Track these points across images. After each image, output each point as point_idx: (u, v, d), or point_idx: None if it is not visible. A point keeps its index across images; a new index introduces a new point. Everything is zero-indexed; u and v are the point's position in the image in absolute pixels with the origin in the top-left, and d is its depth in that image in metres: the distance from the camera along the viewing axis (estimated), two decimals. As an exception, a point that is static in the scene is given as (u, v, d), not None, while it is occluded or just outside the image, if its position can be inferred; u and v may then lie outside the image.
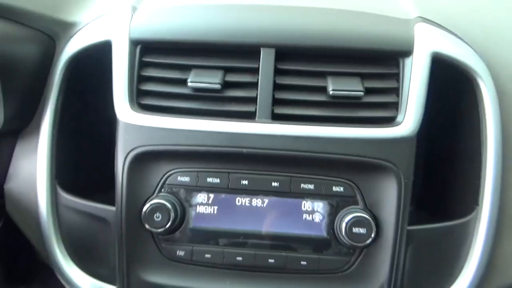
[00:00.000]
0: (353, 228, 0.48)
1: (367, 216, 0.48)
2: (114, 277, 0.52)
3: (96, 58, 0.55)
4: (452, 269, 0.52)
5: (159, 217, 0.49)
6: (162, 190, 0.51)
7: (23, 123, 0.56)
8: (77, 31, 0.56)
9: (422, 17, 0.54)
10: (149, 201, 0.50)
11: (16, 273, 0.60)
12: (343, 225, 0.48)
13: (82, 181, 0.58)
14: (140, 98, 0.52)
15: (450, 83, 0.55)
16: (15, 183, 0.56)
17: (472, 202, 0.52)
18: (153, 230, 0.50)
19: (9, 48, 0.51)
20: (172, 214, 0.49)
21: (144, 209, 0.50)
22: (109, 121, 0.59)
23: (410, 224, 0.50)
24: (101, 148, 0.59)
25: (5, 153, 0.57)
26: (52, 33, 0.56)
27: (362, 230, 0.48)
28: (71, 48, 0.55)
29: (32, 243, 0.56)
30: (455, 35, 0.54)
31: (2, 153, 0.57)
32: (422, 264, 0.51)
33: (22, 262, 0.62)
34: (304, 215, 0.51)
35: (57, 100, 0.55)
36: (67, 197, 0.54)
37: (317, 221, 0.50)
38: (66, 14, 0.57)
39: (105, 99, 0.55)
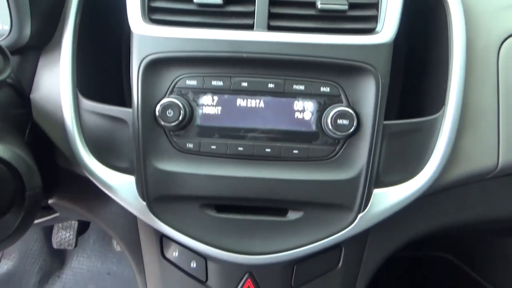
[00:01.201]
0: (338, 120, 0.56)
1: (349, 110, 0.57)
2: (132, 169, 0.60)
3: None
4: (421, 158, 0.61)
5: (171, 113, 0.57)
6: (173, 92, 0.59)
7: (45, 39, 0.63)
8: (91, -44, 0.62)
9: None
10: (162, 100, 0.57)
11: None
12: (329, 117, 0.57)
13: (99, 89, 0.65)
14: (151, 14, 0.59)
15: (424, 1, 0.62)
16: (40, 92, 0.63)
17: (440, 103, 0.60)
18: (166, 124, 0.57)
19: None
20: (182, 111, 0.57)
21: (158, 106, 0.57)
22: (122, 36, 0.66)
23: (386, 119, 0.59)
24: (115, 61, 0.66)
25: (30, 66, 0.63)
26: None
27: (345, 122, 0.57)
28: (86, -29, 0.61)
29: (57, 145, 0.63)
30: None
31: (28, 66, 0.63)
32: (395, 153, 0.60)
33: (46, 169, 0.70)
34: (296, 113, 0.59)
35: (76, 18, 0.62)
36: (88, 103, 0.61)
37: (307, 117, 0.59)
38: None
39: (118, 17, 0.62)
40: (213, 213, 0.61)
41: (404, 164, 0.61)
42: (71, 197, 0.71)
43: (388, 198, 0.60)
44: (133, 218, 0.70)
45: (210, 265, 0.67)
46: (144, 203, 0.60)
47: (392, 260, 1.66)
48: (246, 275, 0.67)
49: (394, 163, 0.60)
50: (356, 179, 0.59)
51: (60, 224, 1.37)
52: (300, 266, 0.67)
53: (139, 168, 0.60)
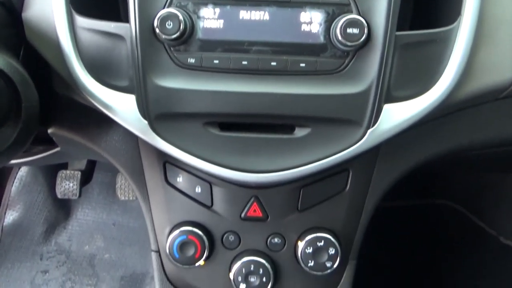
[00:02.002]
0: (348, 29, 0.53)
1: (360, 18, 0.53)
2: (132, 87, 0.58)
3: None
4: (434, 72, 0.58)
5: (170, 25, 0.54)
6: (171, 4, 0.55)
7: None
8: None
9: None
10: (160, 12, 0.54)
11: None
12: (338, 27, 0.53)
13: (94, 5, 0.62)
14: None
15: None
16: (32, 10, 0.59)
17: (456, 13, 0.57)
18: (166, 37, 0.54)
19: None
20: (182, 23, 0.54)
21: (157, 18, 0.54)
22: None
23: (398, 30, 0.55)
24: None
25: (20, -18, 0.60)
26: None
27: (355, 31, 0.53)
28: None
29: (52, 66, 0.61)
30: None
31: (17, -18, 0.60)
32: (408, 66, 0.57)
33: (43, 96, 0.67)
34: (303, 25, 0.55)
35: None
36: (83, 20, 0.58)
37: (314, 29, 0.55)
38: None
39: None
40: (217, 132, 0.59)
41: (416, 78, 0.58)
42: (70, 126, 0.69)
43: (399, 113, 0.57)
44: (135, 145, 0.68)
45: (215, 189, 0.66)
46: (146, 122, 0.58)
47: (396, 208, 1.67)
48: (252, 199, 0.66)
49: (406, 76, 0.57)
50: (365, 93, 0.56)
51: (63, 175, 1.36)
52: (307, 190, 0.66)
53: (139, 86, 0.57)
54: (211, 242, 0.67)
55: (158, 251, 0.70)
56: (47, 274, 1.42)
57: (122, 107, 0.59)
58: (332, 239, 0.65)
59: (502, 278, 1.44)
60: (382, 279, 1.47)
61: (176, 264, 0.67)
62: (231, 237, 0.67)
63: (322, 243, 0.65)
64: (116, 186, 1.42)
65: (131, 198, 1.42)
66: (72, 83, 0.60)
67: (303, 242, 0.65)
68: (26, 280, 1.40)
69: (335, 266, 0.65)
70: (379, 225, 1.62)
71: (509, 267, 1.45)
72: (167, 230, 0.68)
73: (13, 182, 1.48)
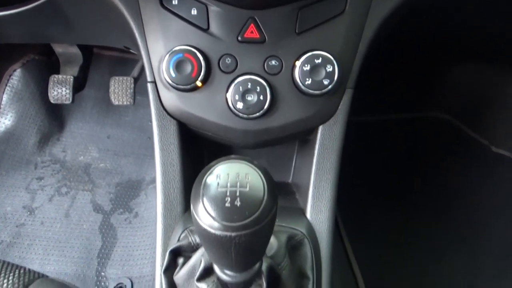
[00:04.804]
0: None
1: None
2: None
3: None
4: None
5: None
6: None
7: None
8: None
9: None
10: None
11: None
12: None
13: None
14: None
15: None
16: None
17: None
18: None
19: None
20: None
21: None
22: None
23: None
24: None
25: None
26: None
27: None
28: None
29: None
30: None
31: None
32: None
33: None
34: None
35: None
36: None
37: None
38: None
39: None
40: None
41: None
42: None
43: None
44: (129, -30, 0.66)
45: (211, 11, 0.64)
46: None
47: (387, 121, 1.67)
48: (249, 20, 0.64)
49: None
50: None
51: (55, 79, 1.34)
52: (305, 11, 0.64)
53: None
54: (208, 64, 0.65)
55: (154, 82, 0.69)
56: (42, 180, 1.41)
57: None
58: (330, 56, 0.64)
59: (494, 186, 1.47)
60: (372, 191, 1.49)
61: (172, 86, 0.65)
62: (228, 60, 0.66)
63: (319, 60, 0.64)
64: (110, 90, 1.40)
65: (125, 103, 1.40)
66: None
67: (301, 61, 0.64)
68: (21, 186, 1.40)
69: (333, 83, 0.64)
70: (370, 139, 1.64)
71: (500, 175, 1.47)
72: (163, 56, 0.66)
73: (4, 90, 1.46)
